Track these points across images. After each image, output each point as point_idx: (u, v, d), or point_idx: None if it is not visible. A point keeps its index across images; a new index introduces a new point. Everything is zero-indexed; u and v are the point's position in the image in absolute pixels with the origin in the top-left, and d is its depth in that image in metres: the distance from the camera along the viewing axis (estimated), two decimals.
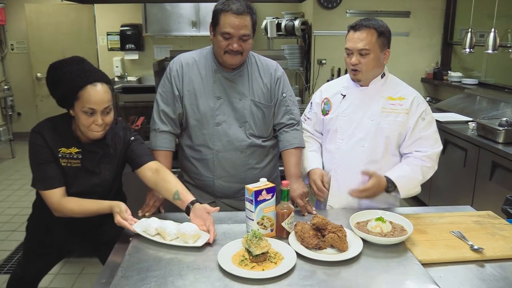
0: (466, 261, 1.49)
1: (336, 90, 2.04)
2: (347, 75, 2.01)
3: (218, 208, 1.70)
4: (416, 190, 1.95)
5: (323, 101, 2.06)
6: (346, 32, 1.92)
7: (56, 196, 1.72)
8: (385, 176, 1.87)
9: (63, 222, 1.83)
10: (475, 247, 1.54)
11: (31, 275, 2.07)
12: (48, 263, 2.09)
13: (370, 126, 1.92)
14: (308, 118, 2.14)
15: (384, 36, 1.86)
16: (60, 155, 1.74)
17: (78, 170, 1.77)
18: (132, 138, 1.88)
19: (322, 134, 2.11)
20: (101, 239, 1.93)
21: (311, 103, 2.14)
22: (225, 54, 1.85)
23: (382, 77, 1.95)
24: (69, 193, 1.76)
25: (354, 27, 1.87)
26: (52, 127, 1.76)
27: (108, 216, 1.73)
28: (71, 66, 1.67)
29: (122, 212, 1.68)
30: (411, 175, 1.89)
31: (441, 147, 1.95)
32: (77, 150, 1.76)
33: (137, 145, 1.87)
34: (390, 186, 1.87)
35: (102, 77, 1.70)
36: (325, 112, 2.04)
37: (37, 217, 1.96)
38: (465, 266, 1.47)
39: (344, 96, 1.99)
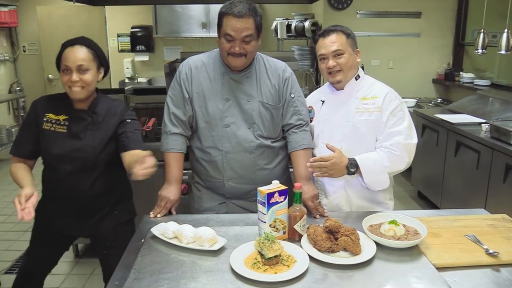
0: (481, 266, 1.47)
1: (317, 97, 2.12)
2: (327, 84, 2.09)
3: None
4: (381, 177, 1.90)
5: (308, 109, 2.13)
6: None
7: (13, 161, 1.95)
8: (349, 157, 1.88)
9: (59, 205, 1.96)
10: (490, 251, 1.51)
11: (36, 266, 2.09)
12: (51, 252, 2.11)
13: (346, 127, 1.97)
14: None
15: (351, 38, 1.96)
16: (45, 119, 1.90)
17: (62, 135, 1.88)
18: (128, 120, 1.94)
19: None
20: (97, 228, 2.00)
21: None
22: (228, 56, 1.87)
23: (356, 79, 2.01)
24: (51, 155, 1.89)
25: (322, 34, 1.97)
26: (49, 97, 1.99)
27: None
28: (69, 41, 1.89)
29: (20, 196, 1.67)
30: (375, 157, 1.89)
31: (414, 141, 1.94)
32: (65, 117, 1.90)
33: (131, 130, 1.92)
34: (352, 165, 1.85)
35: (83, 41, 1.88)
36: (310, 120, 2.11)
37: (39, 202, 1.99)
38: (480, 271, 1.45)
39: (323, 102, 2.07)
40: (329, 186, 2.03)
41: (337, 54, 1.91)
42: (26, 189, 1.72)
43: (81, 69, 1.83)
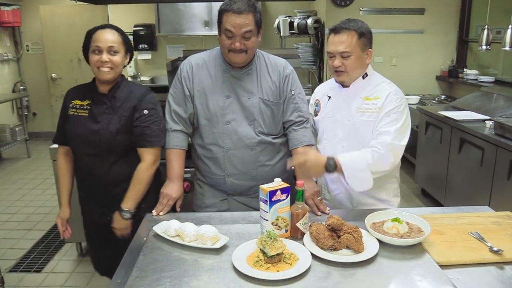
0: (485, 263, 1.46)
1: (324, 91, 2.10)
2: (334, 78, 2.06)
3: None
4: (364, 177, 1.80)
5: (315, 102, 2.13)
6: (328, 35, 1.96)
7: (59, 151, 2.09)
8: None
9: (84, 192, 2.06)
10: (494, 248, 1.50)
11: (97, 265, 2.23)
12: (97, 246, 2.17)
13: (347, 126, 1.96)
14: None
15: (365, 37, 1.89)
16: (71, 105, 1.99)
17: (83, 119, 1.95)
18: (145, 111, 1.94)
19: None
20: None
21: (309, 105, 2.18)
22: (229, 52, 1.88)
23: (363, 77, 1.97)
24: (72, 138, 1.98)
25: (334, 30, 1.91)
26: (79, 85, 2.07)
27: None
28: (97, 27, 1.97)
29: (62, 219, 2.10)
30: (358, 157, 1.81)
31: (402, 143, 1.85)
32: (89, 101, 1.98)
33: (146, 124, 1.94)
34: (330, 165, 1.78)
35: (113, 26, 1.97)
36: (315, 113, 2.11)
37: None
38: (484, 268, 1.44)
39: (330, 97, 2.05)
40: (331, 183, 2.03)
41: (344, 55, 1.88)
42: (65, 212, 2.09)
43: (111, 51, 1.90)
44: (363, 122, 1.92)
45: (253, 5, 1.84)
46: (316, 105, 2.11)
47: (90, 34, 1.95)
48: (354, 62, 1.89)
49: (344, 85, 1.99)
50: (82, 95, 2.00)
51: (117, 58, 1.92)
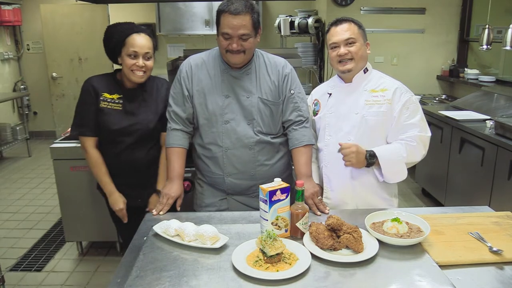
0: (485, 263, 1.46)
1: (324, 90, 2.12)
2: (335, 76, 2.09)
3: None
4: (399, 168, 1.92)
5: (313, 102, 2.14)
6: (328, 31, 2.01)
7: (87, 143, 2.12)
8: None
9: (119, 177, 2.15)
10: (494, 249, 1.50)
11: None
12: (129, 229, 2.16)
13: (355, 119, 1.96)
14: None
15: (363, 29, 1.97)
16: (101, 98, 2.08)
17: (119, 112, 2.09)
18: None
19: None
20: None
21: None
22: (227, 53, 1.89)
23: (364, 72, 2.00)
24: (111, 131, 2.09)
25: (334, 23, 1.97)
26: (99, 78, 2.14)
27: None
28: (123, 25, 2.07)
29: (121, 210, 2.13)
30: (393, 148, 1.91)
31: (429, 134, 1.96)
32: (119, 96, 2.10)
33: None
34: (371, 156, 1.87)
35: (145, 30, 2.07)
36: (315, 113, 2.11)
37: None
38: (484, 269, 1.44)
39: (330, 94, 2.06)
40: (336, 180, 2.02)
41: (349, 42, 1.91)
42: (120, 203, 2.14)
43: (147, 56, 2.04)
44: (373, 114, 1.93)
45: (251, 6, 1.84)
46: (315, 105, 2.11)
47: (122, 35, 2.01)
48: (359, 49, 1.92)
49: (346, 79, 2.01)
50: (108, 89, 2.10)
51: (150, 63, 2.07)
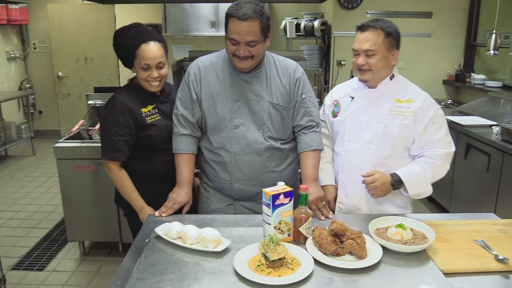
0: (490, 272, 1.44)
1: (346, 92, 2.04)
2: (357, 77, 2.00)
3: None
4: (425, 188, 1.90)
5: (333, 103, 2.07)
6: (356, 32, 1.93)
7: (115, 166, 2.02)
8: (391, 173, 1.87)
9: (166, 184, 2.04)
10: (500, 257, 1.48)
11: None
12: None
13: (377, 129, 1.90)
14: (322, 121, 2.12)
15: (392, 37, 1.85)
16: (144, 115, 2.01)
17: (161, 121, 2.05)
18: None
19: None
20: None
21: (324, 105, 2.14)
22: (234, 57, 1.85)
23: (391, 78, 1.92)
24: (161, 140, 2.03)
25: (361, 28, 1.87)
26: (125, 93, 2.05)
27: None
28: (129, 30, 1.98)
29: (142, 219, 1.98)
30: (419, 172, 1.87)
31: (453, 149, 1.91)
32: (152, 106, 2.05)
33: None
34: (396, 181, 1.85)
35: (154, 36, 1.98)
36: (334, 114, 2.04)
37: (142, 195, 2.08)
38: (490, 277, 1.42)
39: (353, 98, 1.99)
40: (351, 186, 1.96)
41: (368, 54, 1.84)
42: (145, 214, 1.97)
43: (159, 66, 1.97)
44: (396, 125, 1.87)
45: (260, 11, 1.78)
46: (335, 106, 2.04)
47: (131, 46, 1.94)
48: (379, 62, 1.84)
49: (370, 86, 1.94)
50: (140, 103, 2.02)
51: (164, 71, 2.01)
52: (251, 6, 1.77)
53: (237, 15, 1.76)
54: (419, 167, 1.87)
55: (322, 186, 1.99)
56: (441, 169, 1.89)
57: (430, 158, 1.87)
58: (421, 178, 1.86)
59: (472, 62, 5.32)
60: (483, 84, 4.74)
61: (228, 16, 1.80)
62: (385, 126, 1.89)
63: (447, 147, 1.89)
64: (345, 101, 2.01)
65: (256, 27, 1.77)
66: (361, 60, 1.86)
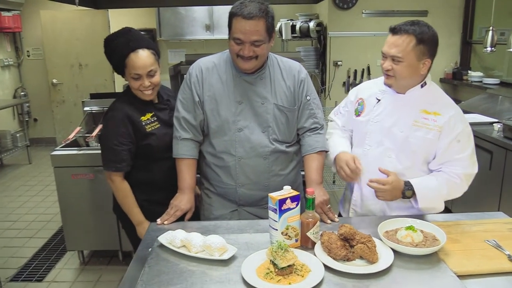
0: (504, 273, 1.40)
1: (372, 92, 1.93)
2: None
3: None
4: (437, 204, 1.83)
5: (357, 101, 1.98)
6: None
7: (118, 178, 1.97)
8: (405, 180, 1.78)
9: (166, 192, 1.98)
10: None
11: None
12: None
13: (398, 138, 1.81)
14: (341, 113, 2.07)
15: (425, 44, 1.69)
16: (143, 123, 1.97)
17: (160, 129, 2.00)
18: None
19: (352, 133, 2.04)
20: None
21: (347, 100, 2.05)
22: (238, 58, 1.80)
23: (422, 86, 1.80)
24: (161, 149, 1.99)
25: (393, 30, 1.74)
26: (126, 104, 1.98)
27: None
28: (118, 38, 1.92)
29: (140, 234, 1.94)
30: (434, 186, 1.77)
31: (476, 170, 1.80)
32: (151, 113, 2.01)
33: None
34: (407, 190, 1.76)
35: (143, 43, 1.91)
36: (357, 113, 1.96)
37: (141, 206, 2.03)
38: (504, 278, 1.38)
39: (379, 100, 1.89)
40: (366, 190, 1.88)
41: (395, 59, 1.72)
42: (144, 229, 1.89)
43: (150, 74, 1.91)
44: (418, 138, 1.77)
45: (265, 9, 1.73)
46: (359, 105, 1.94)
47: (120, 55, 1.89)
48: (405, 69, 1.72)
49: (398, 91, 1.83)
50: (138, 112, 1.98)
51: (156, 79, 1.94)
52: (256, 4, 1.73)
53: (242, 13, 1.70)
54: (436, 181, 1.78)
55: (336, 155, 1.91)
56: (458, 188, 1.79)
57: (448, 175, 1.77)
58: (435, 192, 1.78)
59: (469, 59, 5.32)
60: (481, 82, 4.74)
61: (232, 15, 1.75)
62: (406, 137, 1.79)
63: (469, 167, 1.78)
64: (371, 102, 1.91)
65: (261, 26, 1.73)
66: (386, 64, 1.75)
